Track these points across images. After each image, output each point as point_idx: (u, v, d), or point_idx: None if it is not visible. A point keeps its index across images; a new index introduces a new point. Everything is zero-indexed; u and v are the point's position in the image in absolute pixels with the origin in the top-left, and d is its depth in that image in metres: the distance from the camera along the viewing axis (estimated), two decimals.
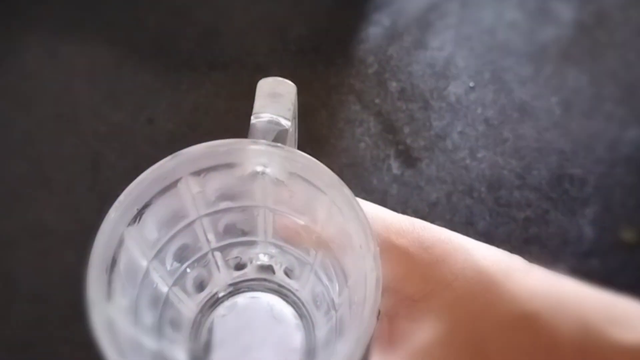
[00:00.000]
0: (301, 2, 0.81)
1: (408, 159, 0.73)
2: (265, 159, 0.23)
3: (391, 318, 0.26)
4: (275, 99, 0.24)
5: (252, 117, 0.24)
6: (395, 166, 0.73)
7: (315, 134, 0.73)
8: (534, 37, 0.81)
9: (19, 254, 0.68)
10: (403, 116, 0.75)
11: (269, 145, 0.22)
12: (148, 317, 0.25)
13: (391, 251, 0.26)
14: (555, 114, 0.76)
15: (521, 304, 0.24)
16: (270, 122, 0.24)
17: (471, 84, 0.78)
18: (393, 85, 0.77)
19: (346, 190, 0.22)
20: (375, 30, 0.81)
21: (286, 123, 0.24)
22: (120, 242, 0.22)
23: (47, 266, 0.66)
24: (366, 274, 0.21)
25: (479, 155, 0.74)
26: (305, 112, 0.73)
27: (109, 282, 0.21)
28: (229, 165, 0.23)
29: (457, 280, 0.25)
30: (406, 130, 0.75)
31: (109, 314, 0.20)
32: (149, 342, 0.24)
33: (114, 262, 0.21)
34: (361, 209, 0.22)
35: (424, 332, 0.25)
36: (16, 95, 0.76)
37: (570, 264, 0.69)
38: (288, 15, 0.81)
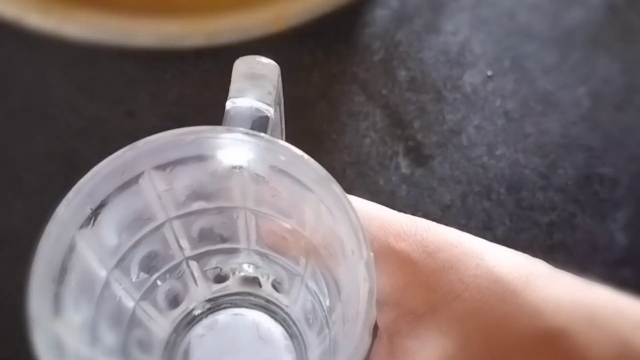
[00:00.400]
0: None
1: (418, 156, 0.73)
2: (241, 150, 0.22)
3: (391, 335, 0.25)
4: (254, 81, 0.23)
5: (227, 103, 0.23)
6: (404, 165, 0.72)
7: (314, 129, 0.73)
8: (559, 21, 0.80)
9: None
10: (413, 109, 0.75)
11: (245, 133, 0.21)
12: (110, 336, 0.24)
13: (390, 257, 0.25)
14: (583, 106, 0.76)
15: (545, 318, 0.23)
16: (248, 107, 0.22)
17: (489, 73, 0.77)
18: (402, 74, 0.77)
19: (335, 188, 0.21)
20: (381, 12, 0.80)
21: (267, 109, 0.23)
22: (71, 248, 0.21)
23: (15, 275, 0.66)
24: (359, 285, 0.20)
25: (498, 152, 0.73)
26: (304, 104, 0.73)
27: (57, 295, 0.20)
28: (198, 158, 0.22)
29: (468, 290, 0.24)
30: (416, 124, 0.74)
31: (57, 332, 0.19)
32: None
33: (63, 271, 0.21)
34: (353, 209, 0.21)
35: (429, 351, 0.24)
36: None
37: (600, 273, 0.67)
38: None
